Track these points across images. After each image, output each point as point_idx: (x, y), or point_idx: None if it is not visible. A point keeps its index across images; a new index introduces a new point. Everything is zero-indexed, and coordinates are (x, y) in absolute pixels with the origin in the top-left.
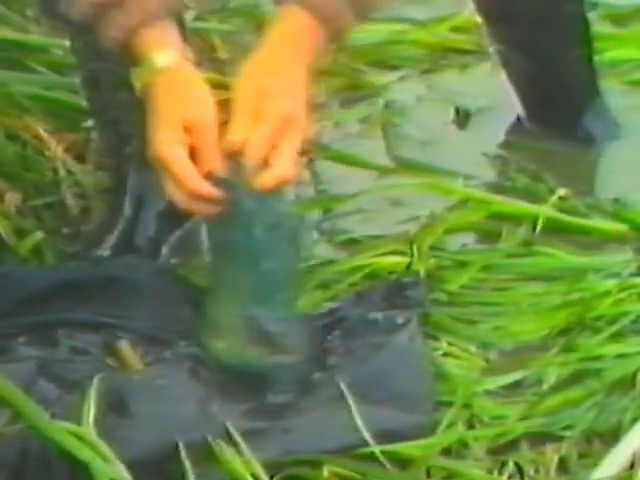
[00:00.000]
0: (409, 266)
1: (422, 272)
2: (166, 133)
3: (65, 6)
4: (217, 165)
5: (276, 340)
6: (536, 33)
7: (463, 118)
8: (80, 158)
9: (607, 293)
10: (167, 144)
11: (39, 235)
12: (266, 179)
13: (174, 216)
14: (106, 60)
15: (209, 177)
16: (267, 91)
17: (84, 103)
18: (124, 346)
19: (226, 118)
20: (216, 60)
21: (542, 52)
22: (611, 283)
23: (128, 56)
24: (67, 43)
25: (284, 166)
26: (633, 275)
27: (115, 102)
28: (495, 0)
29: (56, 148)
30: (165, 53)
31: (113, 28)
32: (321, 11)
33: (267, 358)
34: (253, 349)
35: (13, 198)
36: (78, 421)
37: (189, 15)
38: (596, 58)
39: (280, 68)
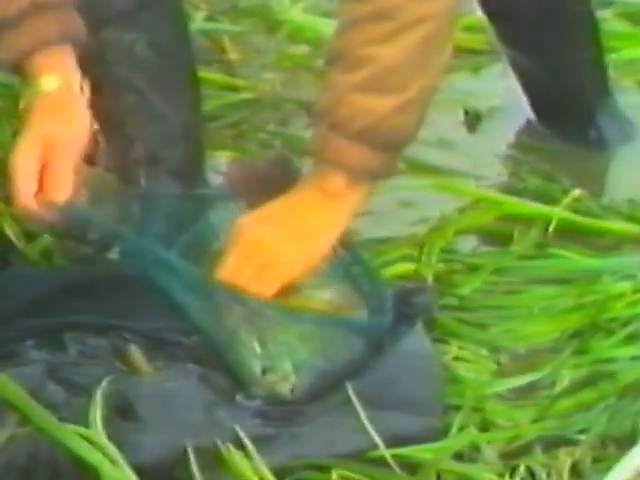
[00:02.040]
0: (417, 271)
1: (431, 276)
2: (26, 144)
3: None
4: (63, 190)
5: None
6: (542, 33)
7: (474, 119)
8: (89, 161)
9: (621, 295)
10: (22, 153)
11: (48, 238)
12: None
13: (183, 218)
14: (109, 64)
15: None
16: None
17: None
18: (133, 350)
19: None
20: (226, 61)
21: (549, 53)
22: (625, 285)
23: (19, 76)
24: None
25: None
26: None
27: (120, 106)
28: (500, 0)
29: None
30: (51, 78)
31: (5, 49)
32: (362, 173)
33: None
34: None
35: None
36: (86, 425)
37: (199, 16)
38: (611, 57)
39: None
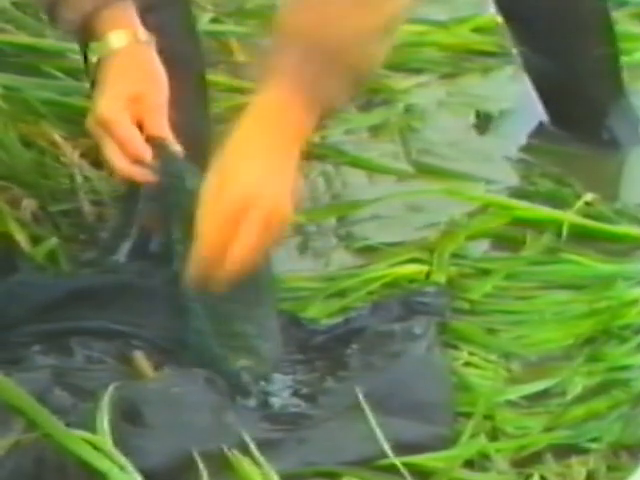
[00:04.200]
0: (428, 275)
1: (443, 280)
2: (112, 101)
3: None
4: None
5: (245, 342)
6: (557, 33)
7: (484, 122)
8: (96, 164)
9: (635, 301)
10: (113, 110)
11: (54, 242)
12: (218, 279)
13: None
14: None
15: (152, 144)
16: (236, 182)
17: None
18: (139, 356)
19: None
20: (232, 63)
21: (563, 53)
22: (639, 291)
23: (84, 39)
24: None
25: (234, 260)
26: None
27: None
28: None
29: (72, 154)
30: (119, 34)
31: (70, 10)
32: (320, 96)
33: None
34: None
35: (29, 205)
36: (93, 430)
37: (205, 17)
38: (625, 58)
39: (257, 154)
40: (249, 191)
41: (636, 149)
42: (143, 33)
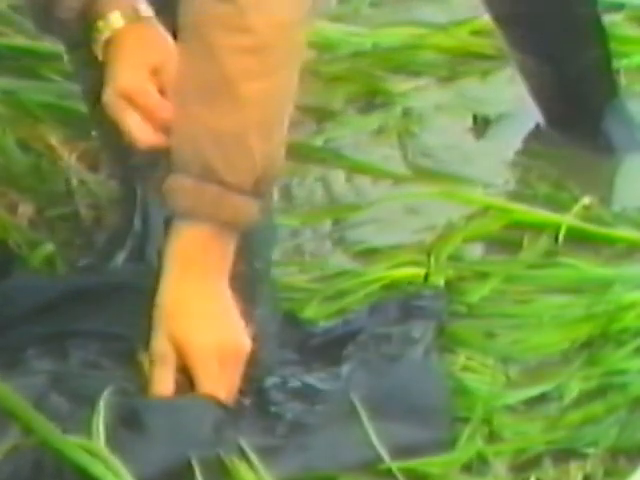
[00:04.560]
0: (426, 277)
1: (441, 283)
2: (134, 71)
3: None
4: None
5: None
6: (550, 37)
7: (482, 125)
8: (93, 167)
9: (632, 305)
10: (137, 80)
11: (50, 247)
12: None
13: None
14: None
15: None
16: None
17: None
18: (139, 356)
19: None
20: None
21: (557, 56)
22: (636, 295)
23: (85, 23)
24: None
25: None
26: None
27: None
28: (505, 2)
29: (69, 157)
30: (124, 11)
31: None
32: (222, 215)
33: None
34: None
35: (26, 210)
36: (90, 436)
37: None
38: (622, 62)
39: (196, 303)
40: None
41: (633, 152)
42: (146, 9)
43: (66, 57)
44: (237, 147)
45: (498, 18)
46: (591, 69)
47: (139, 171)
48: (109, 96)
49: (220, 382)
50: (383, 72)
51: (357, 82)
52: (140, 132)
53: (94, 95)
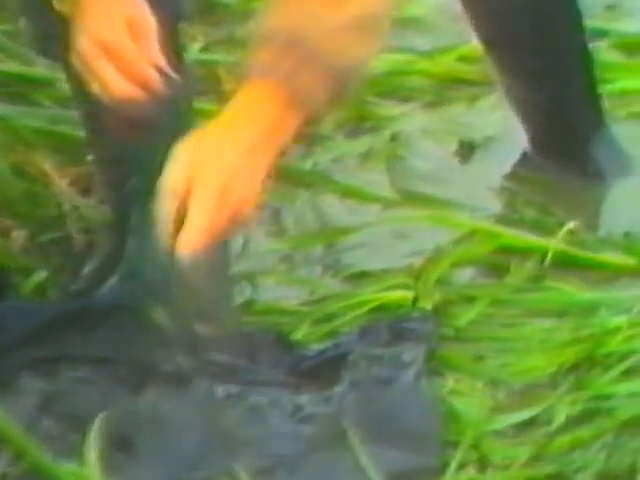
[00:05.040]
0: (415, 301)
1: (429, 307)
2: (111, 22)
3: None
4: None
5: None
6: (537, 61)
7: (469, 150)
8: (85, 192)
9: (617, 329)
10: (114, 30)
11: (43, 274)
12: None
13: None
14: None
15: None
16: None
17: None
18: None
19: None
20: (221, 92)
21: (544, 81)
22: (622, 319)
23: None
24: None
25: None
26: None
27: (116, 140)
28: (494, 27)
29: (61, 182)
30: None
31: None
32: (299, 94)
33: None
34: None
35: (19, 236)
36: (82, 459)
37: (195, 47)
38: (606, 88)
39: (232, 145)
40: (218, 181)
41: (619, 178)
42: None
43: (65, 79)
44: (330, 37)
45: (486, 42)
46: (578, 95)
47: (133, 197)
48: (84, 45)
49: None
50: (371, 97)
51: (346, 107)
52: (115, 82)
53: (92, 119)
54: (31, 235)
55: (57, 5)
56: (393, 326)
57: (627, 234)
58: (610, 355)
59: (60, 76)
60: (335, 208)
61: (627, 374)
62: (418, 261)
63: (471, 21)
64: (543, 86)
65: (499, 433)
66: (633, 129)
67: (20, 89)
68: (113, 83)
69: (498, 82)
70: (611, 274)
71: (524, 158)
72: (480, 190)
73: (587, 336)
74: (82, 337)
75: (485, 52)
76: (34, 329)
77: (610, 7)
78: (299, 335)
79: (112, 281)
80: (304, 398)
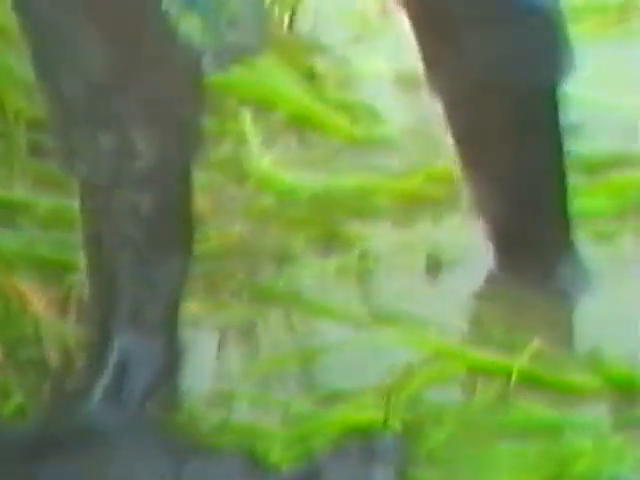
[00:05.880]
0: (385, 421)
1: (399, 427)
2: None
3: None
4: None
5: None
6: (510, 177)
7: (437, 268)
8: (62, 313)
9: (583, 452)
10: None
11: (20, 397)
12: None
13: (161, 376)
14: (112, 219)
15: None
16: None
17: (70, 258)
18: None
19: None
20: (196, 212)
21: (515, 197)
22: (586, 441)
23: None
24: (76, 202)
25: None
26: (608, 433)
27: (116, 263)
28: (471, 139)
29: (38, 303)
30: None
31: None
32: None
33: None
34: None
35: None
36: None
37: None
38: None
39: None
40: None
41: (584, 297)
42: None
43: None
44: None
45: (456, 134)
46: (550, 213)
47: (122, 321)
48: None
49: None
50: (341, 216)
51: (315, 226)
52: None
53: (95, 243)
54: (7, 353)
55: None
56: (364, 447)
57: (592, 354)
58: (577, 477)
59: (39, 199)
60: (306, 327)
61: None
62: (388, 380)
63: (449, 133)
64: (515, 202)
65: None
66: (597, 249)
67: (0, 211)
68: None
69: (468, 196)
70: (576, 395)
71: (491, 275)
72: (448, 308)
73: (553, 458)
74: (60, 467)
75: (459, 165)
76: (10, 458)
77: (574, 127)
78: (274, 457)
79: (92, 399)
80: None
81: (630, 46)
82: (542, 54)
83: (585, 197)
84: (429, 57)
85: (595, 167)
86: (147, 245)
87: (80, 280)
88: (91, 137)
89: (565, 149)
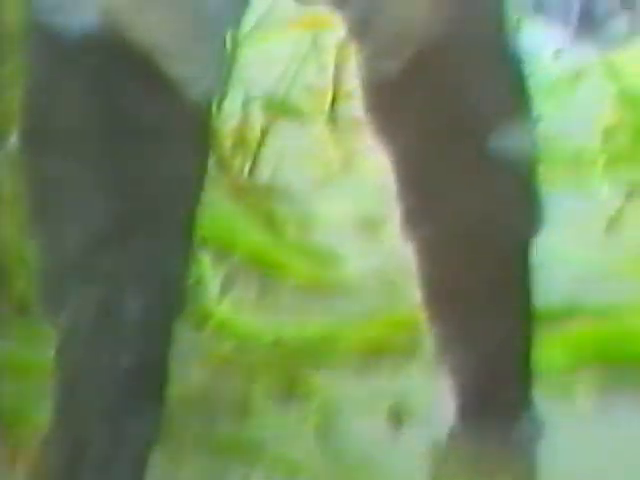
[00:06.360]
0: None
1: None
2: None
3: None
4: None
5: None
6: (479, 328)
7: (398, 419)
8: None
9: None
10: None
11: None
12: None
13: None
14: (90, 374)
15: None
16: None
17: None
18: None
19: None
20: None
21: (483, 353)
22: None
23: None
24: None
25: None
26: None
27: (86, 419)
28: (442, 288)
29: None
30: None
31: None
32: None
33: None
34: None
35: None
36: None
37: None
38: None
39: None
40: None
41: (542, 450)
42: None
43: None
44: None
45: (430, 304)
46: (514, 367)
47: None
48: None
49: None
50: (298, 364)
51: (274, 374)
52: None
53: (68, 392)
54: None
55: None
56: None
57: None
58: None
59: None
60: None
61: None
62: None
63: (419, 282)
64: (484, 358)
65: None
66: (551, 404)
67: None
68: None
69: (433, 347)
70: None
71: (451, 428)
72: (409, 460)
73: None
74: None
75: (426, 316)
76: None
77: None
78: None
79: None
80: None
81: (581, 197)
82: (519, 208)
83: (540, 349)
84: (409, 204)
85: (551, 317)
86: (121, 398)
87: (32, 435)
88: (80, 288)
89: (534, 304)
